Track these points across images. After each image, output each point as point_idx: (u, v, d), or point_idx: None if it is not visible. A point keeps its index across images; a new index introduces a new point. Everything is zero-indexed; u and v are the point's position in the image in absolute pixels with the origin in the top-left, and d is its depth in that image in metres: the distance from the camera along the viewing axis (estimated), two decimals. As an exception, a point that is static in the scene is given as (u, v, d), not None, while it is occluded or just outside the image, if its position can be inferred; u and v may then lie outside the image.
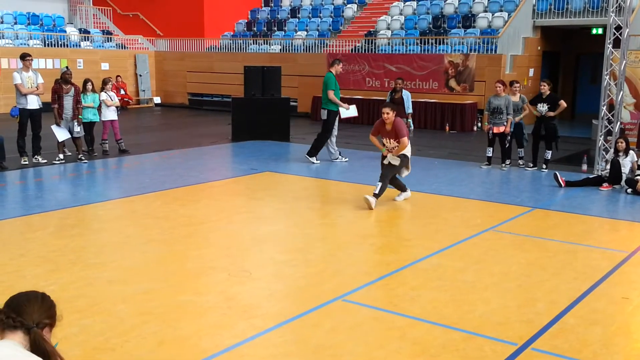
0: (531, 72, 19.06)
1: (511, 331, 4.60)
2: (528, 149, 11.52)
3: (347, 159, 12.07)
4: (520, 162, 11.68)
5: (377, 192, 8.32)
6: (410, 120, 12.31)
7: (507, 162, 11.41)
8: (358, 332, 4.54)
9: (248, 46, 24.10)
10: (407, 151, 8.59)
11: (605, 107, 11.10)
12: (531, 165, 11.28)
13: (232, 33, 25.83)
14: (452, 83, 18.32)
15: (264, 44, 23.87)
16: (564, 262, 6.29)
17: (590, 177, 10.32)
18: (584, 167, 11.27)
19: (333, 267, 6.10)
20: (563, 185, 9.94)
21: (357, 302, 5.15)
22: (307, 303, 5.09)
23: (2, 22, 23.28)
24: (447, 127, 17.54)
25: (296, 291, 5.49)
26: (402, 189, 8.92)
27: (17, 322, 2.23)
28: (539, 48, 19.61)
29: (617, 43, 11.03)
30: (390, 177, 8.53)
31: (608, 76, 11.12)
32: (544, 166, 11.15)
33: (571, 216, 8.29)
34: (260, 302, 5.12)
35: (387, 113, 8.39)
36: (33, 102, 11.26)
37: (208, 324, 4.65)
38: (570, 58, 21.74)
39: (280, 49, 23.05)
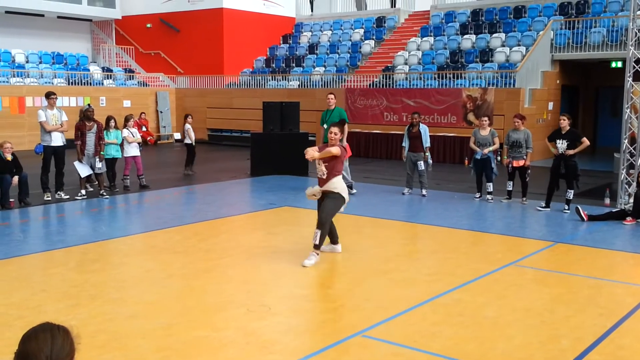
0: (550, 105, 19.03)
1: (535, 368, 4.51)
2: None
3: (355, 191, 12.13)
4: (489, 197, 11.53)
5: (316, 242, 7.27)
6: (428, 154, 12.31)
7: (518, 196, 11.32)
8: (378, 369, 4.48)
9: (267, 82, 24.43)
10: (342, 188, 7.42)
11: (626, 140, 11.01)
12: (543, 205, 10.68)
13: (251, 70, 26.22)
14: (471, 117, 18.33)
15: (283, 80, 24.18)
16: (588, 298, 6.18)
17: (613, 211, 10.18)
18: (607, 200, 11.13)
19: (352, 302, 6.05)
20: (585, 219, 9.81)
21: (377, 337, 5.09)
22: (327, 338, 5.05)
23: (27, 62, 23.89)
24: (466, 161, 17.49)
25: (315, 326, 5.45)
26: (333, 239, 7.80)
27: None
28: (557, 82, 19.61)
29: (637, 76, 10.98)
30: (331, 219, 7.46)
31: (629, 109, 11.06)
32: (566, 207, 10.51)
33: (594, 251, 8.17)
34: (279, 338, 5.09)
35: (335, 133, 7.40)
36: (57, 139, 11.47)
37: (227, 360, 4.63)
38: (590, 91, 21.70)
39: (299, 85, 23.32)
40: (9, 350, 2.44)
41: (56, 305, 5.81)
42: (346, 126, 12.11)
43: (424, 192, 12.16)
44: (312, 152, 7.42)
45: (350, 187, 11.96)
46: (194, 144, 15.27)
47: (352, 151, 19.70)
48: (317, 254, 7.32)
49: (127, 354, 4.70)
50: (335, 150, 7.33)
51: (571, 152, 10.43)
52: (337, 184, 7.40)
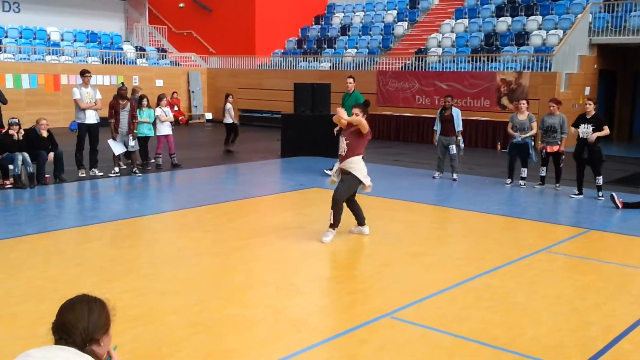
0: (587, 90, 18.64)
1: (564, 355, 4.48)
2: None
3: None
4: (522, 182, 11.40)
5: (331, 221, 7.43)
6: (460, 137, 12.18)
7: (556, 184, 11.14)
8: (406, 350, 4.50)
9: (298, 63, 24.37)
10: (359, 169, 7.44)
11: (664, 126, 10.74)
12: (577, 192, 10.51)
13: (282, 50, 26.18)
14: (505, 101, 18.07)
15: (314, 61, 24.10)
16: (620, 286, 6.09)
17: (649, 198, 9.98)
18: (642, 188, 10.90)
19: (381, 284, 6.07)
20: (620, 206, 9.64)
21: (405, 319, 5.10)
22: (355, 319, 5.08)
23: (62, 40, 24.21)
24: (499, 146, 17.28)
25: (344, 307, 5.48)
26: (360, 221, 7.82)
27: (70, 343, 2.29)
28: (595, 66, 19.18)
29: (677, 61, 10.68)
30: (344, 199, 7.52)
31: (668, 95, 10.76)
32: (600, 194, 10.31)
33: (628, 238, 8.03)
34: (308, 317, 5.13)
35: (357, 114, 7.41)
36: (91, 117, 11.64)
37: (256, 337, 4.69)
38: (628, 76, 21.18)
39: (330, 66, 23.22)
40: (45, 322, 2.51)
41: (91, 279, 5.94)
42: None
43: (455, 176, 12.07)
44: (342, 112, 7.54)
45: None
46: (234, 122, 15.89)
47: (380, 134, 19.69)
48: (333, 231, 7.48)
49: (158, 328, 4.79)
50: (364, 122, 7.36)
51: (597, 135, 10.08)
52: (354, 164, 7.46)
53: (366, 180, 7.50)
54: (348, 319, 5.12)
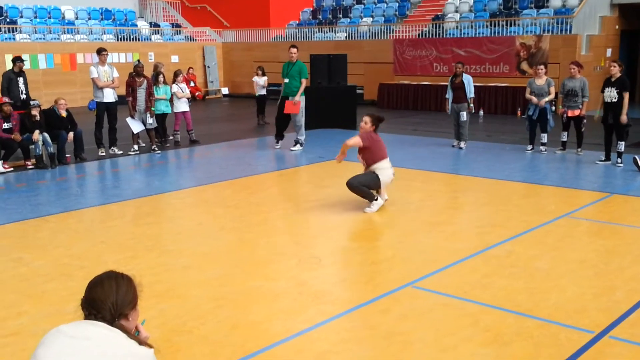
0: (609, 52, 18.27)
1: (588, 319, 4.47)
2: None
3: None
4: (543, 148, 11.26)
5: (368, 199, 7.56)
6: (472, 105, 12.01)
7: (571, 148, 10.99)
8: (429, 319, 4.52)
9: (313, 34, 24.16)
10: (383, 172, 7.47)
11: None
12: (603, 159, 10.26)
13: (297, 22, 25.95)
14: (524, 66, 17.80)
15: (330, 31, 23.87)
16: (644, 250, 6.04)
17: (673, 161, 9.82)
18: (666, 150, 10.73)
19: (402, 254, 6.07)
20: (643, 169, 9.53)
21: (427, 288, 5.11)
22: (377, 289, 5.10)
23: (77, 18, 24.22)
24: (519, 112, 17.06)
25: (365, 277, 5.51)
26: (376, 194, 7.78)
27: (99, 318, 2.34)
28: (617, 27, 18.76)
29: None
30: (357, 185, 7.50)
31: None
32: (619, 160, 10.01)
33: (652, 202, 7.93)
34: (330, 288, 5.17)
35: (365, 123, 7.51)
36: (109, 96, 11.69)
37: (279, 309, 4.73)
38: (651, 36, 20.70)
39: (346, 36, 22.99)
40: (73, 298, 2.56)
41: (115, 256, 6.02)
42: (305, 81, 12.20)
43: (462, 144, 11.90)
44: (339, 156, 7.78)
45: (299, 143, 12.17)
46: (256, 95, 16.64)
47: (397, 104, 19.56)
48: (376, 199, 7.51)
49: (183, 303, 4.86)
50: (350, 142, 7.45)
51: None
52: (379, 169, 7.49)
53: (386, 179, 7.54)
54: (370, 289, 5.15)
